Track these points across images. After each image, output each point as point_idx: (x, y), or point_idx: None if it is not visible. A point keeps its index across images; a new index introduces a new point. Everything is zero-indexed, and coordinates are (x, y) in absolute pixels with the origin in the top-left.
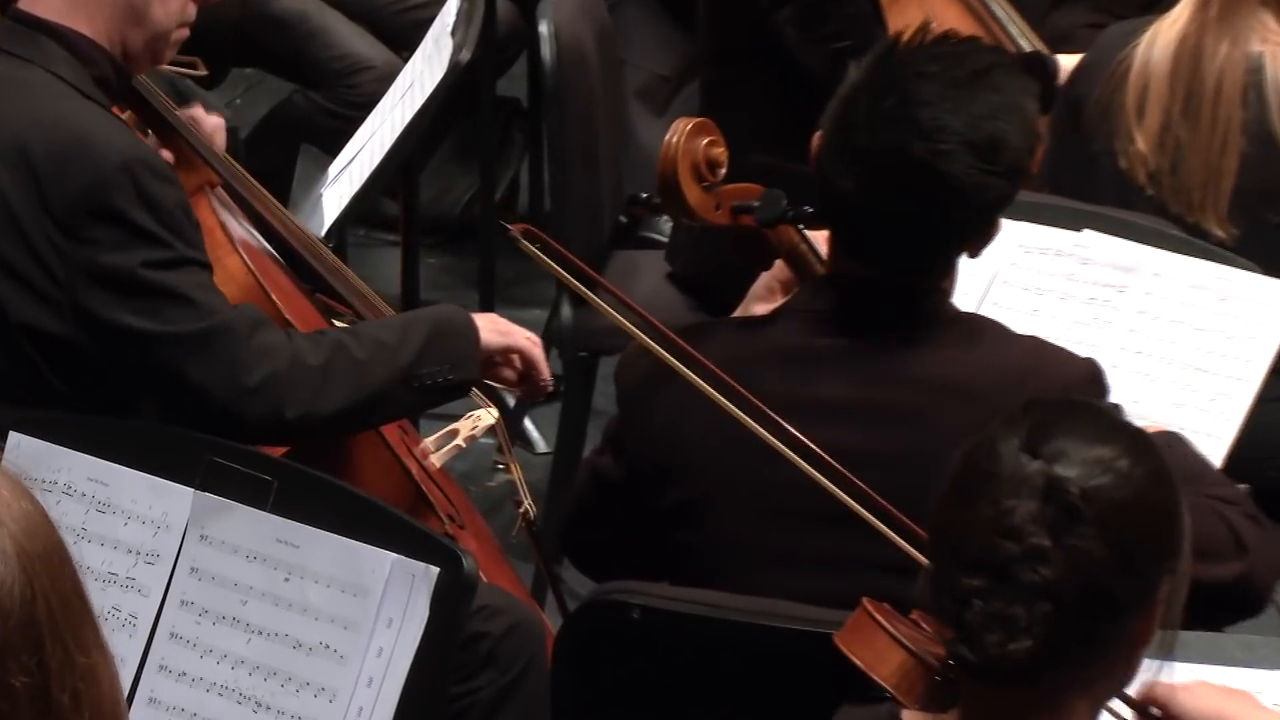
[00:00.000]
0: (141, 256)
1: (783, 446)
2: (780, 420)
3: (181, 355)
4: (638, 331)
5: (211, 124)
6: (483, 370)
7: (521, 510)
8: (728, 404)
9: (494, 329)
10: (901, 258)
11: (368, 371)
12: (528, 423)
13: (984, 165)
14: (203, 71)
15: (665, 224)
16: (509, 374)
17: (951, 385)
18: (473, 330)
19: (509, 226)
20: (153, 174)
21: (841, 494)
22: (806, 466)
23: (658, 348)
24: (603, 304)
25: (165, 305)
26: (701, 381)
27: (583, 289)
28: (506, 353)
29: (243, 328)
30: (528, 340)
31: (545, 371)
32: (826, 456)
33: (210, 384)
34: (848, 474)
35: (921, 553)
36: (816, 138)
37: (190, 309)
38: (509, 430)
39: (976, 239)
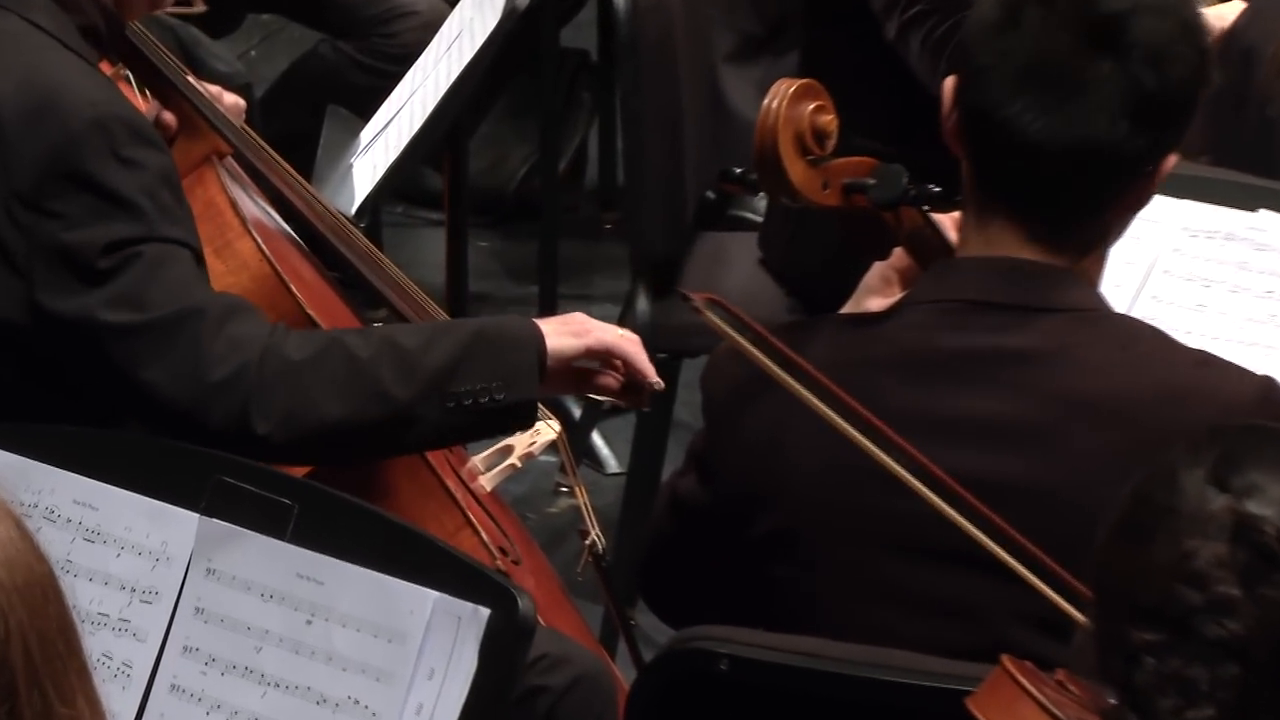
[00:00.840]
0: (109, 232)
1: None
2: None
3: (139, 347)
4: (876, 450)
5: (229, 102)
6: (568, 384)
7: (588, 542)
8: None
9: (568, 330)
10: (1058, 218)
11: (374, 376)
12: (596, 437)
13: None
14: (201, 7)
15: (760, 202)
16: (608, 381)
17: (1098, 401)
18: (533, 339)
19: (689, 296)
20: (132, 134)
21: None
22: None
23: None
24: (820, 404)
25: (129, 288)
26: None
27: (803, 389)
28: (595, 355)
29: (214, 313)
30: (620, 338)
31: (650, 371)
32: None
33: (167, 380)
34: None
35: (1070, 602)
36: (951, 85)
37: (157, 292)
38: (574, 446)
39: (1144, 175)
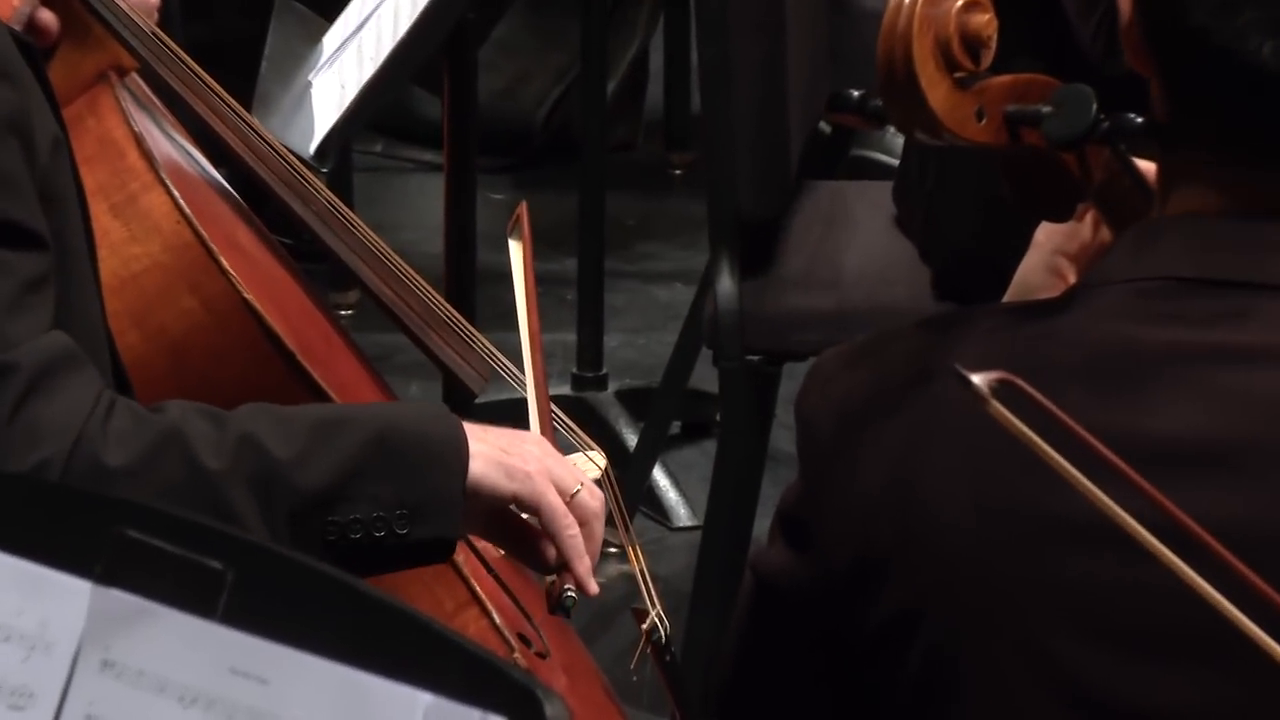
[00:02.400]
0: None
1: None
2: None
3: None
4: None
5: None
6: (479, 528)
7: (646, 626)
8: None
9: (499, 459)
10: None
11: (223, 498)
12: (660, 476)
13: None
14: None
15: (894, 140)
16: (539, 548)
17: None
18: (457, 453)
19: (966, 376)
20: None
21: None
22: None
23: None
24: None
25: None
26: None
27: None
28: (526, 509)
29: (22, 374)
30: (575, 498)
31: (584, 564)
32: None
33: None
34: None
35: None
36: None
37: None
38: (628, 488)
39: None
